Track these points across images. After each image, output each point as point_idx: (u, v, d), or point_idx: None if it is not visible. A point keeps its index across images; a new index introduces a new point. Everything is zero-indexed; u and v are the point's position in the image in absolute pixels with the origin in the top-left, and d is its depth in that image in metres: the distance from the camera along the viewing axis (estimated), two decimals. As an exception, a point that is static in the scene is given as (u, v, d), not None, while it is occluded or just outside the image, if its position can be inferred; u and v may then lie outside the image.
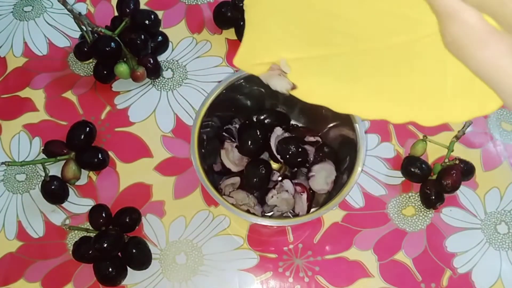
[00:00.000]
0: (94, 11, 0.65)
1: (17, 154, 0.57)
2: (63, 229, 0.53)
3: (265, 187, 0.52)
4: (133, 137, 0.57)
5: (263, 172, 0.50)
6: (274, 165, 0.54)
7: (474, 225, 0.53)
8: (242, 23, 0.59)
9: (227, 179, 0.51)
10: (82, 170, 0.55)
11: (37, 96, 0.60)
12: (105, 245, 0.48)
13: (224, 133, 0.53)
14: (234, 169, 0.52)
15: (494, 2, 0.22)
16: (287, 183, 0.51)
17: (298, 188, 0.51)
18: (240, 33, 0.61)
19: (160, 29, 0.62)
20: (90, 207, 0.52)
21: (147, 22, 0.58)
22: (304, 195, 0.50)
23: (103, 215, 0.51)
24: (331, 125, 0.53)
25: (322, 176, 0.51)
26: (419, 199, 0.54)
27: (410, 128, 0.58)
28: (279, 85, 0.31)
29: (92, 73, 0.60)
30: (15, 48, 0.62)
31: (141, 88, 0.60)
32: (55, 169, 0.55)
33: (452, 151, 0.54)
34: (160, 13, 0.63)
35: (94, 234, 0.50)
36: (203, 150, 0.48)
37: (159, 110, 0.59)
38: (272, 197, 0.51)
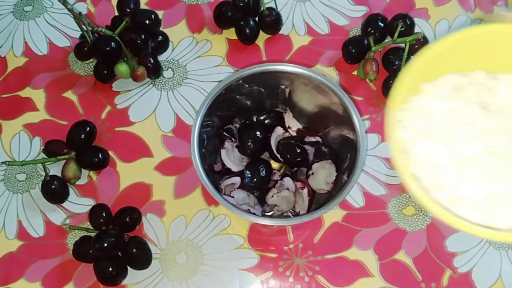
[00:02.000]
0: (95, 10, 0.65)
1: (17, 153, 0.57)
2: (63, 229, 0.53)
3: (265, 187, 0.52)
4: (133, 137, 0.57)
5: (263, 172, 0.51)
6: (274, 165, 0.54)
7: (474, 224, 0.53)
8: (242, 22, 0.59)
9: (227, 179, 0.51)
10: (83, 169, 0.55)
11: (37, 95, 0.60)
12: (106, 244, 0.48)
13: (224, 133, 0.53)
14: (234, 169, 0.52)
15: None
16: (288, 181, 0.51)
17: (299, 184, 0.51)
18: (240, 32, 0.61)
19: (161, 28, 0.61)
20: (91, 207, 0.52)
21: (147, 21, 0.58)
22: (305, 190, 0.50)
23: (104, 214, 0.51)
24: (331, 125, 0.53)
25: (322, 175, 0.51)
26: (419, 198, 0.54)
27: (410, 127, 0.58)
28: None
29: (92, 73, 0.60)
30: (16, 48, 0.62)
31: (141, 87, 0.60)
32: (55, 169, 0.55)
33: (452, 150, 0.54)
34: (160, 13, 0.63)
35: (95, 234, 0.50)
36: (203, 150, 0.48)
37: (159, 110, 0.59)
38: (273, 196, 0.51)
